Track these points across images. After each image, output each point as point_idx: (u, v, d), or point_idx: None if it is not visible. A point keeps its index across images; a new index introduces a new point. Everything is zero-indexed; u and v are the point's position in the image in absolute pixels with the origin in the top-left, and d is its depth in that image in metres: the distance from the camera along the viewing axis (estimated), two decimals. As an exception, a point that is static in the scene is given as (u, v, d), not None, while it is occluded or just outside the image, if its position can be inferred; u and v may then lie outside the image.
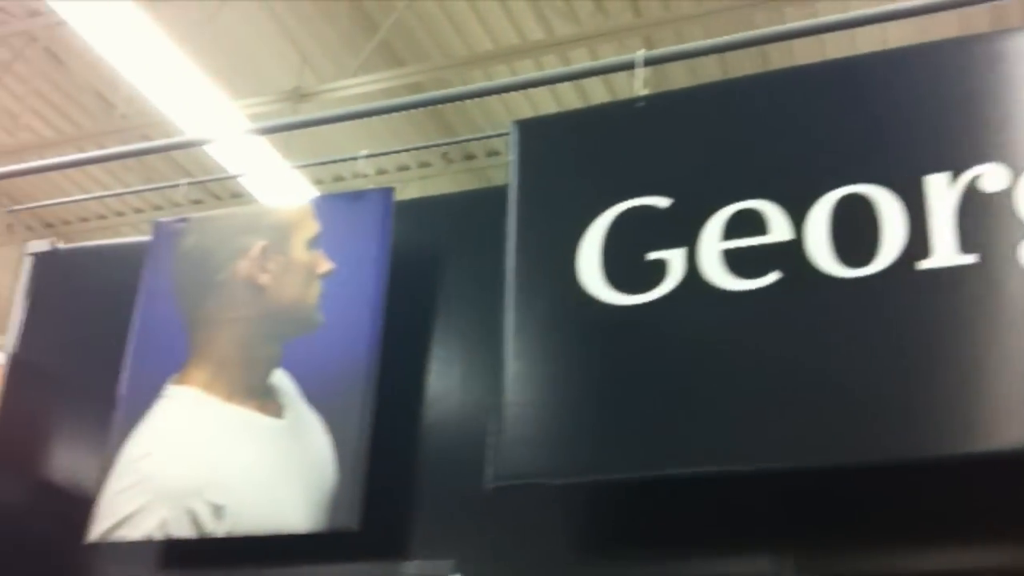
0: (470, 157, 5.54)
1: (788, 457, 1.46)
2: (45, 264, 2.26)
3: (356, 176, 2.11)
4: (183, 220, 2.06)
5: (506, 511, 1.67)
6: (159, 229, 2.08)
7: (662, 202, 1.64)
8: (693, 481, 1.57)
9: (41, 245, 2.27)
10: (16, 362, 2.18)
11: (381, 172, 5.34)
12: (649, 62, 1.83)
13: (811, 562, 1.52)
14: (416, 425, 1.85)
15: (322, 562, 1.80)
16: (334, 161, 2.70)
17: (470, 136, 4.82)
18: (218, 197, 5.58)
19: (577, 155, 1.77)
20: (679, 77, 3.61)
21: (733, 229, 1.59)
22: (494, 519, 1.69)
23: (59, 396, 2.14)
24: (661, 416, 1.53)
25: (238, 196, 5.49)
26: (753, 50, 2.29)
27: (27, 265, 2.26)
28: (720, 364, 1.53)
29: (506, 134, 1.83)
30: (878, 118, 1.59)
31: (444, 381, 1.88)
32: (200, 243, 2.01)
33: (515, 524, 1.68)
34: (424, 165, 5.60)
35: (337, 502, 1.75)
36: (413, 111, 4.63)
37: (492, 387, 1.69)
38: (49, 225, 5.94)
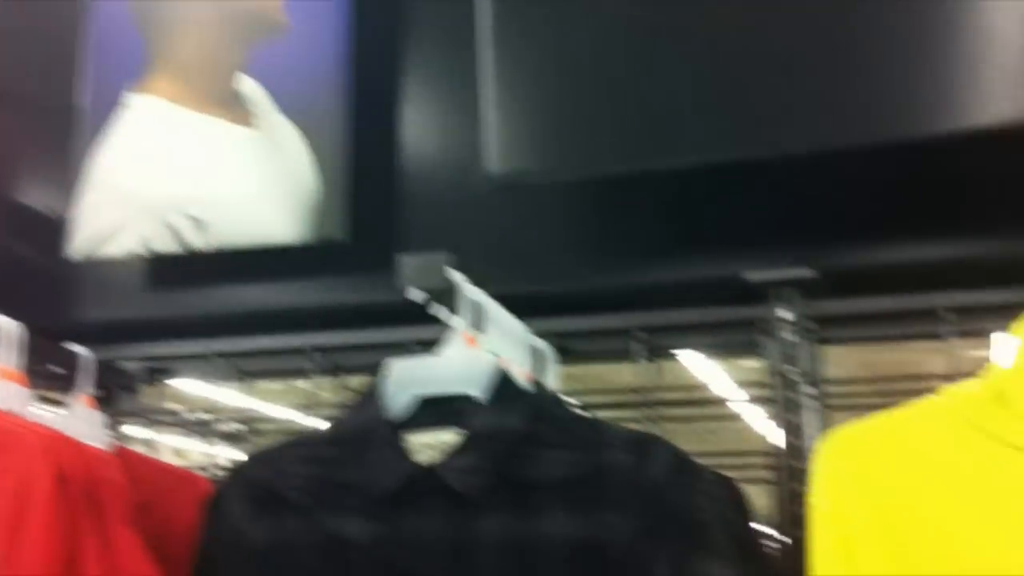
0: None
1: (805, 142, 1.41)
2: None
3: None
4: (127, -85, 1.88)
5: (499, 211, 1.63)
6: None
7: None
8: (700, 175, 1.53)
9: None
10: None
11: None
12: None
13: (822, 257, 1.50)
14: (399, 130, 1.77)
15: (312, 275, 1.77)
16: None
17: None
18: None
19: None
20: None
21: None
22: (486, 220, 1.65)
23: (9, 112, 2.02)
24: (667, 105, 1.46)
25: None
26: None
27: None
28: (735, 46, 1.44)
29: None
30: None
31: (425, 83, 1.79)
32: (149, -62, 1.85)
33: (509, 223, 1.64)
34: None
35: (323, 213, 1.69)
36: None
37: (478, 85, 1.60)
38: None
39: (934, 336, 1.43)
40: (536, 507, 1.05)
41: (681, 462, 1.05)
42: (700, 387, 1.63)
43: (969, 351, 1.38)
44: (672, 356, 1.65)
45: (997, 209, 1.43)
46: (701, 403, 1.69)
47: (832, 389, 1.51)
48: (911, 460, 0.93)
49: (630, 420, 1.60)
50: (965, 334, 1.37)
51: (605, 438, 1.09)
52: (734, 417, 1.57)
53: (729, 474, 1.39)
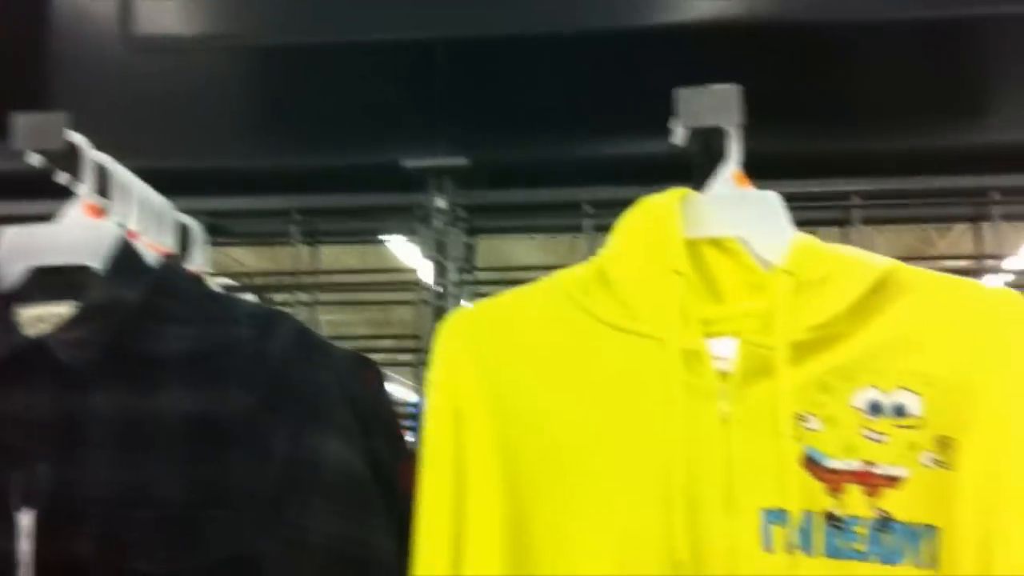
0: None
1: (471, 26, 1.41)
2: None
3: None
4: None
5: (152, 78, 1.53)
6: None
7: None
8: (365, 55, 1.49)
9: None
10: None
11: None
12: None
13: (478, 147, 1.52)
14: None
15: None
16: None
17: None
18: None
19: None
20: None
21: None
22: (138, 87, 1.55)
23: None
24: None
25: None
26: None
27: None
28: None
29: None
30: None
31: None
32: None
33: (162, 92, 1.55)
34: None
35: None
36: None
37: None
38: None
39: (576, 229, 1.49)
40: (153, 382, 1.01)
41: (305, 338, 1.05)
42: (405, 271, 1.61)
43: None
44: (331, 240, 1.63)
45: (636, 111, 1.49)
46: (359, 288, 1.69)
47: (482, 276, 1.55)
48: (519, 337, 0.97)
49: (292, 304, 1.58)
50: (600, 228, 1.44)
51: (231, 313, 1.06)
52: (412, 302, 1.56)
53: (384, 356, 1.40)
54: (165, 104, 1.53)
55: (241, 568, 0.97)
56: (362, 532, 0.99)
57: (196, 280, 1.19)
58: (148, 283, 1.06)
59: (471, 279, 1.53)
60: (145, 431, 1.00)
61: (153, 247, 1.24)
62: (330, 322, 1.64)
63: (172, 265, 1.14)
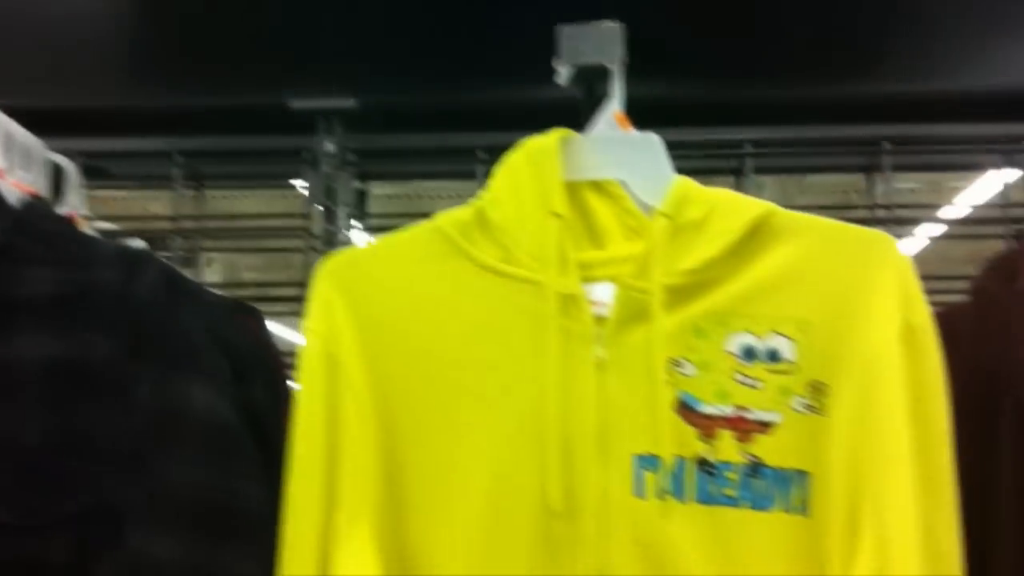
0: None
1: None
2: None
3: None
4: None
5: (31, 15, 1.46)
6: None
7: None
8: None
9: None
10: None
11: None
12: None
13: (369, 89, 1.47)
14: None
15: None
16: None
17: None
18: None
19: None
20: None
21: None
22: (18, 24, 1.47)
23: None
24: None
25: None
26: None
27: None
28: None
29: None
30: None
31: None
32: None
33: (39, 27, 1.47)
34: None
35: None
36: None
37: None
38: None
39: (470, 175, 1.47)
40: (12, 326, 0.96)
41: (172, 281, 1.00)
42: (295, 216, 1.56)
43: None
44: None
45: (533, 54, 1.46)
46: (250, 234, 1.65)
47: (374, 223, 1.51)
48: (396, 280, 0.94)
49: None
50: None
51: (96, 256, 1.01)
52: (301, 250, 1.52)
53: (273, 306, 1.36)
54: (36, 38, 1.46)
55: (104, 518, 0.93)
56: (228, 480, 0.96)
57: (64, 222, 1.13)
58: (8, 223, 1.00)
59: (362, 226, 1.50)
60: (2, 377, 0.95)
61: (19, 186, 1.18)
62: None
63: (36, 205, 1.08)
